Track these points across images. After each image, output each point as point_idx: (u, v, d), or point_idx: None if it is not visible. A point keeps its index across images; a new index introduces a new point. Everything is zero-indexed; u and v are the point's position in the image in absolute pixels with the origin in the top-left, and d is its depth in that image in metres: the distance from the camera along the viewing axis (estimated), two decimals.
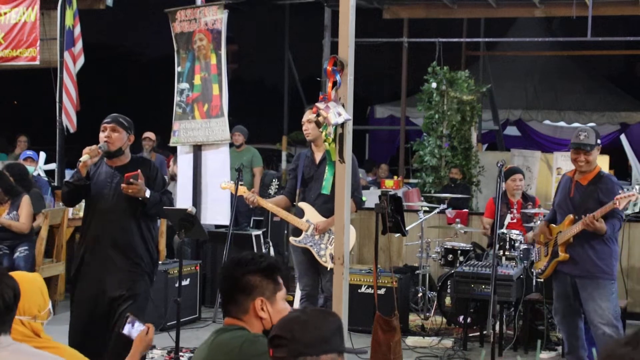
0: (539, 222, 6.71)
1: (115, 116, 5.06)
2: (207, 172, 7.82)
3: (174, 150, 8.69)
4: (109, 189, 4.98)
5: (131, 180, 4.82)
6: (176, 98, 7.97)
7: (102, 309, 4.81)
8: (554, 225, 5.65)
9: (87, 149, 4.89)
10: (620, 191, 5.21)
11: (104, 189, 4.99)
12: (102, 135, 4.99)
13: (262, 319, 2.72)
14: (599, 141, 5.41)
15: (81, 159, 4.86)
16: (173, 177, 9.03)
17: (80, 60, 9.65)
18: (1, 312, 2.43)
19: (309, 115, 5.76)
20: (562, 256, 5.45)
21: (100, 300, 4.82)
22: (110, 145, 4.97)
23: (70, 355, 2.91)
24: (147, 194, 4.88)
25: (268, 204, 5.99)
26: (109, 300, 4.80)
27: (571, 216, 5.42)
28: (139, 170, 4.90)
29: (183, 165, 8.09)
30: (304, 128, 5.89)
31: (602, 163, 11.41)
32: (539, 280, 6.62)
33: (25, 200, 7.23)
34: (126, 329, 3.39)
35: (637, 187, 5.28)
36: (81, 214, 8.15)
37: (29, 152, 9.49)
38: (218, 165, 7.75)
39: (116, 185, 4.95)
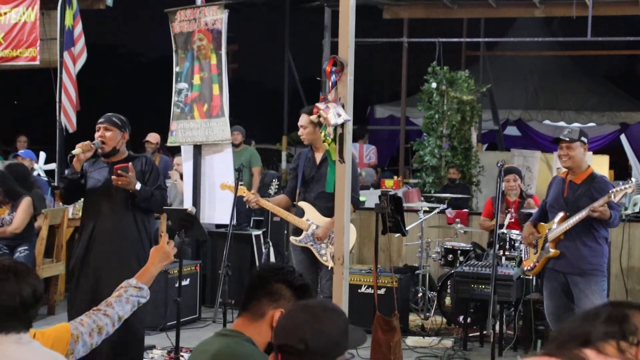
0: None
1: (108, 116, 5.19)
2: (214, 173, 7.79)
3: (173, 150, 8.67)
4: (103, 185, 5.10)
5: (120, 172, 4.92)
6: (174, 98, 7.95)
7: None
8: (542, 224, 5.66)
9: (79, 144, 5.01)
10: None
11: (99, 184, 5.12)
12: (96, 135, 5.15)
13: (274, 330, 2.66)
14: (583, 139, 5.41)
15: (73, 151, 4.99)
16: (181, 177, 8.99)
17: (81, 60, 9.63)
18: (18, 311, 2.39)
19: (302, 121, 5.79)
20: (553, 252, 5.47)
21: (98, 297, 4.80)
22: (104, 146, 5.12)
23: (55, 331, 2.81)
24: (137, 186, 4.97)
25: (269, 204, 5.99)
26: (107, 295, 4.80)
27: (562, 214, 5.44)
28: (130, 163, 5.01)
29: (187, 165, 8.08)
30: (299, 133, 5.91)
31: (602, 163, 11.47)
32: (539, 279, 6.62)
33: (25, 201, 7.18)
34: None
35: (633, 179, 5.32)
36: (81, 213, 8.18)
37: (21, 151, 9.47)
38: (224, 165, 7.74)
39: (111, 181, 5.05)
